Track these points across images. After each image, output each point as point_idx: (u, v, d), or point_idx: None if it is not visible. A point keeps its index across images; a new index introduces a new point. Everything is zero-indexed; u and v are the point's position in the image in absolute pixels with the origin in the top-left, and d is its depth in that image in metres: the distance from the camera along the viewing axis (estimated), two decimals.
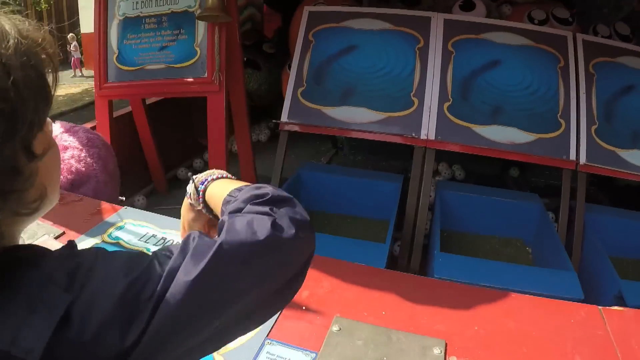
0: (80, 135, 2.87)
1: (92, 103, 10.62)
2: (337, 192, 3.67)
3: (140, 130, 4.34)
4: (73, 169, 2.68)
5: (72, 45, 14.49)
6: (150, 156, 4.49)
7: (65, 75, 14.39)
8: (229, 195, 0.86)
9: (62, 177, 2.65)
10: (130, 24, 3.73)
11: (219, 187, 0.94)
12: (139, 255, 0.70)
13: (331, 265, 1.77)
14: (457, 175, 4.70)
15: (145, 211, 2.09)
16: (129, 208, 2.12)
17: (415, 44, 3.62)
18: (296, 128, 3.67)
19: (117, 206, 2.14)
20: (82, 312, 0.59)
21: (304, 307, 1.55)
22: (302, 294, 1.60)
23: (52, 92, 0.69)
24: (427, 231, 3.42)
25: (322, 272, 1.72)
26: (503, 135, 3.32)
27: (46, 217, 2.16)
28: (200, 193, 0.98)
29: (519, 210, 3.44)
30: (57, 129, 2.93)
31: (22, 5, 12.05)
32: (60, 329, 0.57)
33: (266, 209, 0.76)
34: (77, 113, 10.26)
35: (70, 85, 13.39)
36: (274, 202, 0.78)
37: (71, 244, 0.71)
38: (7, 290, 0.59)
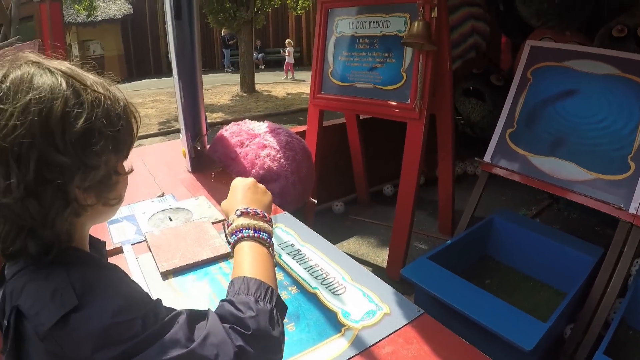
0: (281, 138, 3.10)
1: (302, 110, 11.34)
2: (523, 247, 3.41)
3: (351, 142, 4.56)
4: (266, 166, 2.92)
5: (286, 51, 17.25)
6: (357, 168, 4.70)
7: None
8: (235, 284, 0.95)
9: (254, 171, 2.90)
10: (346, 42, 3.89)
11: (242, 252, 1.02)
12: (136, 303, 0.85)
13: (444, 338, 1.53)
14: None
15: (298, 221, 2.19)
16: (287, 214, 2.25)
17: None
18: (498, 172, 3.55)
19: (279, 209, 2.30)
20: (75, 323, 0.78)
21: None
22: (385, 349, 1.45)
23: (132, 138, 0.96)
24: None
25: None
26: None
27: (219, 203, 2.38)
28: (230, 245, 1.07)
29: None
30: (263, 128, 3.20)
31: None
32: (60, 322, 0.77)
33: (239, 342, 0.84)
34: (292, 116, 11.08)
35: (284, 85, 14.96)
36: (253, 337, 0.85)
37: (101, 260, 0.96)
38: (51, 278, 0.83)
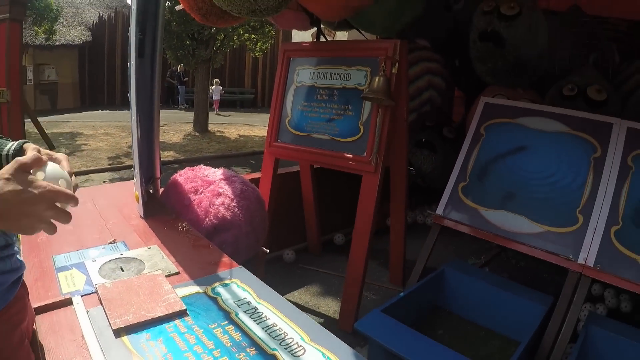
0: (235, 186, 3.07)
1: (254, 153, 11.43)
2: (475, 298, 3.45)
3: (304, 191, 4.58)
4: (220, 215, 2.88)
5: (211, 89, 18.86)
6: (309, 216, 4.71)
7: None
8: None
9: (208, 220, 2.85)
10: (305, 92, 3.93)
11: None
12: None
13: None
14: (623, 307, 3.92)
15: (253, 276, 2.14)
16: (243, 268, 2.20)
17: (592, 152, 3.34)
18: (449, 224, 3.61)
19: (234, 263, 2.25)
20: None
21: None
22: None
23: None
24: None
25: None
26: None
27: (172, 254, 2.33)
28: None
29: None
30: (218, 175, 3.17)
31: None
32: None
33: None
34: (243, 159, 11.10)
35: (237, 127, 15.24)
36: None
37: None
38: None
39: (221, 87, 20.77)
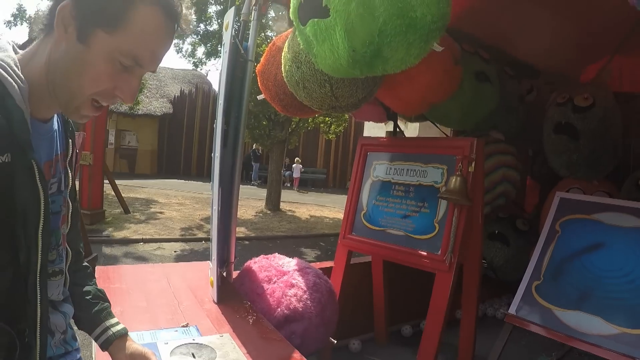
0: (309, 278, 3.12)
1: (324, 235, 11.56)
2: None
3: (374, 282, 4.56)
4: (292, 306, 2.91)
5: (293, 167, 22.21)
6: (377, 307, 4.65)
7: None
8: None
9: (280, 310, 2.89)
10: (381, 187, 3.96)
11: None
12: None
13: None
14: None
15: None
16: None
17: None
18: (522, 324, 3.52)
19: None
20: None
21: None
22: None
23: None
24: None
25: None
26: None
27: (243, 344, 2.35)
28: None
29: None
30: (292, 265, 3.22)
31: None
32: None
33: None
34: (313, 240, 11.15)
35: (308, 207, 15.54)
36: None
37: None
38: None
39: (301, 166, 22.37)
